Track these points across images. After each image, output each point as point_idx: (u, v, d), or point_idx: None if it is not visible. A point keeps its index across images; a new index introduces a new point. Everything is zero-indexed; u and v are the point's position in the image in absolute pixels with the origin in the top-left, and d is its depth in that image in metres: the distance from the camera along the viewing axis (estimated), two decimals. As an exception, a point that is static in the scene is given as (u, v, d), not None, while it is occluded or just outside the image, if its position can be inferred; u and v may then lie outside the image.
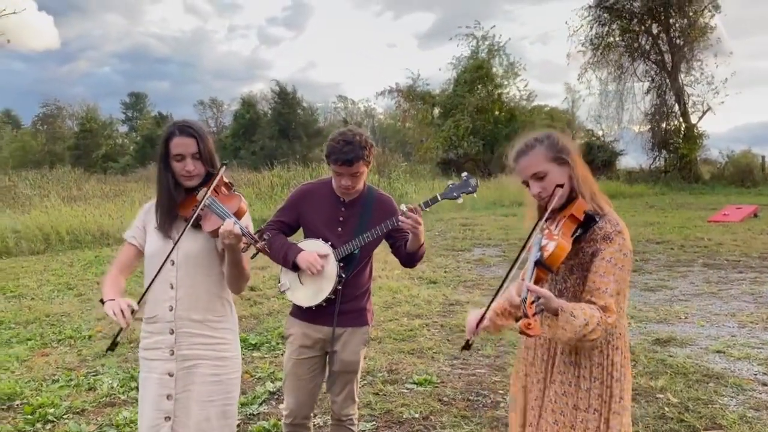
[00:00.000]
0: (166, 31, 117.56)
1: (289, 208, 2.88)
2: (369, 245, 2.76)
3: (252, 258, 2.31)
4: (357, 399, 2.95)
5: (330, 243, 2.75)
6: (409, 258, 2.81)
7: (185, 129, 2.25)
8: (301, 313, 2.82)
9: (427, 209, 2.64)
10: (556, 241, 1.85)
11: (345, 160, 2.59)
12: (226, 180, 2.36)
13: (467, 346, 2.03)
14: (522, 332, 1.63)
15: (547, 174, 2.00)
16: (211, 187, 2.23)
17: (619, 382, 1.98)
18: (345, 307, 2.78)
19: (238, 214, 2.25)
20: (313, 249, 2.74)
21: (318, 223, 2.80)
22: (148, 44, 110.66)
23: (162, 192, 2.32)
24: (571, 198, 2.01)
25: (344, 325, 2.80)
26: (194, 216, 2.21)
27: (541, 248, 1.87)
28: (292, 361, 2.84)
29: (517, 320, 1.66)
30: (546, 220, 2.03)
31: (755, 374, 4.52)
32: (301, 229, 2.90)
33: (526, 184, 2.06)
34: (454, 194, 2.72)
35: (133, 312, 2.08)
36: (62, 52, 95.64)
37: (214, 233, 2.21)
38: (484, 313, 2.04)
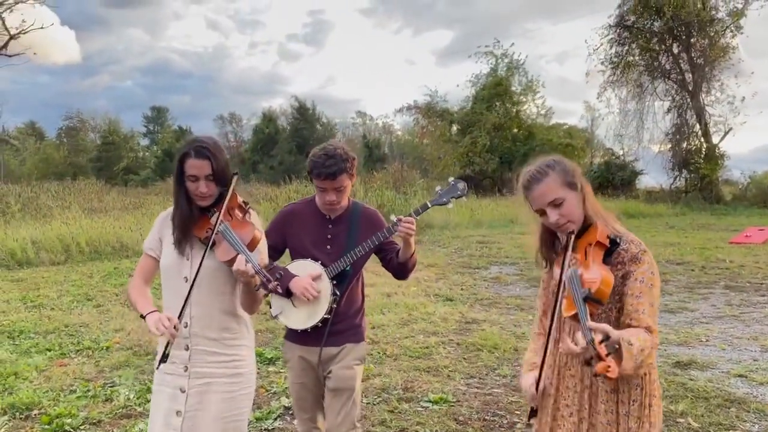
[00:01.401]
0: (188, 46, 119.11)
1: (274, 231, 2.78)
2: (360, 260, 2.71)
3: (264, 297, 2.27)
4: (357, 425, 2.80)
5: (320, 262, 2.69)
6: (401, 268, 2.76)
7: (200, 151, 2.21)
8: (296, 336, 2.77)
9: (418, 217, 2.61)
10: (599, 273, 1.81)
11: (328, 174, 2.57)
12: (240, 200, 2.33)
13: (534, 413, 2.00)
14: (602, 374, 1.60)
15: (564, 200, 1.95)
16: (222, 212, 2.21)
17: (655, 398, 1.95)
18: (339, 326, 2.73)
19: (252, 245, 2.21)
20: (304, 271, 2.68)
21: (306, 243, 2.75)
22: (170, 59, 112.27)
23: (178, 210, 2.32)
24: (587, 222, 1.99)
25: (339, 344, 2.74)
26: (210, 242, 2.21)
27: (583, 282, 1.82)
28: (296, 386, 2.80)
29: (587, 364, 1.62)
30: (572, 251, 2.00)
31: (779, 400, 4.42)
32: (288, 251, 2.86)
33: (540, 212, 2.00)
34: (444, 200, 2.67)
35: (175, 327, 2.11)
36: (85, 65, 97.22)
37: (228, 263, 2.20)
38: (540, 375, 1.98)
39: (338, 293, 2.67)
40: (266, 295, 2.21)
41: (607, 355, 1.62)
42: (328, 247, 2.73)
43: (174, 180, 2.31)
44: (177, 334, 2.12)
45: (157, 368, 2.26)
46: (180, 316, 2.18)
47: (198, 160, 2.21)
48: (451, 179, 2.69)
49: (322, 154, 2.60)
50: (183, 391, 2.27)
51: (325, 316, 2.66)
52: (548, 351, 1.97)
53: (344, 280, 2.70)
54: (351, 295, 2.77)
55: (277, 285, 2.10)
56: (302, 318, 2.70)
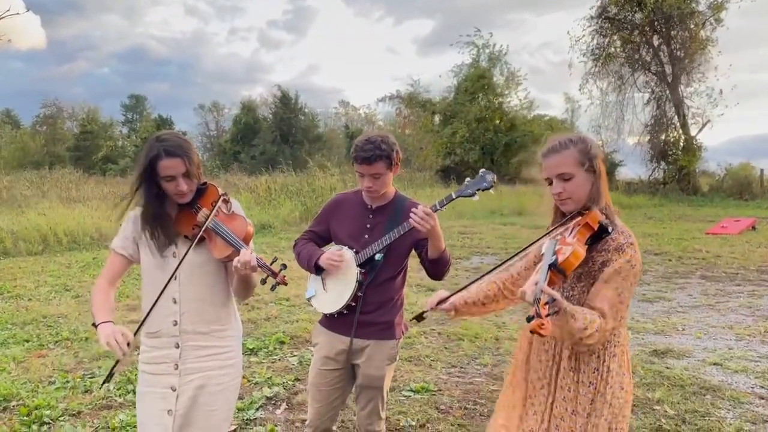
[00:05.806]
0: (166, 32, 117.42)
1: (321, 218, 2.88)
2: (391, 250, 2.66)
3: (272, 290, 2.24)
4: (383, 415, 2.83)
5: (355, 250, 2.69)
6: (432, 266, 2.66)
7: (171, 150, 2.15)
8: (326, 321, 2.80)
9: (443, 209, 2.49)
10: (572, 246, 1.86)
11: (364, 158, 2.57)
12: (220, 192, 2.28)
13: (420, 317, 2.06)
14: (534, 331, 1.63)
15: (573, 177, 2.01)
16: (213, 211, 2.20)
17: (612, 388, 1.99)
18: (368, 317, 2.69)
19: (247, 239, 2.19)
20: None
21: (345, 230, 2.77)
22: (148, 45, 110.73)
23: (154, 211, 2.24)
24: (586, 206, 2.03)
25: (367, 338, 2.70)
26: (197, 239, 2.19)
27: (556, 252, 1.87)
28: (315, 371, 2.81)
29: (528, 320, 1.65)
30: (560, 227, 2.05)
31: (752, 387, 4.52)
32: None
33: (549, 181, 2.06)
34: (469, 191, 2.51)
35: (128, 344, 2.01)
36: (60, 52, 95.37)
37: (227, 259, 2.18)
38: (450, 295, 2.07)
39: (363, 282, 2.65)
40: (273, 288, 2.20)
41: (546, 316, 1.66)
42: (366, 236, 2.71)
43: (143, 182, 2.22)
44: (128, 353, 2.01)
45: (101, 387, 2.21)
46: (146, 318, 2.14)
47: (170, 160, 2.15)
48: (481, 170, 2.55)
49: (363, 139, 2.63)
50: (174, 390, 2.25)
51: (350, 303, 2.66)
52: (476, 283, 2.09)
53: (373, 270, 2.67)
54: (383, 287, 2.71)
55: (285, 276, 2.10)
56: (330, 301, 2.72)
